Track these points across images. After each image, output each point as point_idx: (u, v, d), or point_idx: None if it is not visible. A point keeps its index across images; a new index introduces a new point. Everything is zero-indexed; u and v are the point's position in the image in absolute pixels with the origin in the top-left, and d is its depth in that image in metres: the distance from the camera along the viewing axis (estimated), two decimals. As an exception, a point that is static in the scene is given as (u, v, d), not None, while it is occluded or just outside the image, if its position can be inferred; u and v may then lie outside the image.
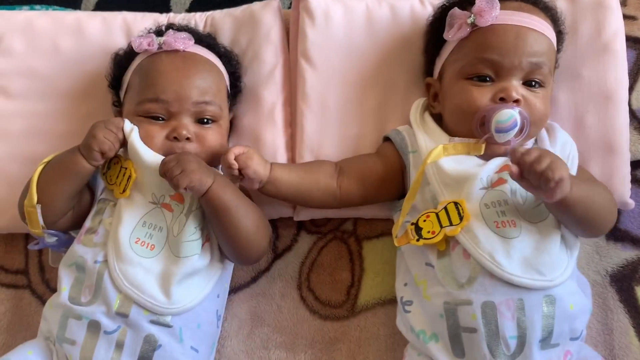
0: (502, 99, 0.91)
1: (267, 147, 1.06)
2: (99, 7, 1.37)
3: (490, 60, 0.92)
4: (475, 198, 0.89)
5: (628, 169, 1.02)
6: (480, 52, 0.92)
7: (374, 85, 1.08)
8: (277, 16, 1.11)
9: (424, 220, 0.91)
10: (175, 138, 0.95)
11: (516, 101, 0.91)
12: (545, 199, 0.82)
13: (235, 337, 1.05)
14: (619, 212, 1.06)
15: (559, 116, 1.03)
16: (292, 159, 1.08)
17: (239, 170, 0.93)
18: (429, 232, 0.90)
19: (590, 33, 1.04)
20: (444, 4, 1.03)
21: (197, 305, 0.93)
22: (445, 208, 0.90)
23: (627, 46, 1.07)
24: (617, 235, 1.05)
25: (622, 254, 1.04)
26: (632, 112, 1.07)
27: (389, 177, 0.99)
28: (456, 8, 0.96)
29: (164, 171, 0.89)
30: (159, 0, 1.36)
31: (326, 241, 1.11)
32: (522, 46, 0.91)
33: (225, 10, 1.15)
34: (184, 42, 0.98)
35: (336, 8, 1.09)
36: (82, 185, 0.95)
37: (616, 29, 1.04)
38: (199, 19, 1.15)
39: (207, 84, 0.98)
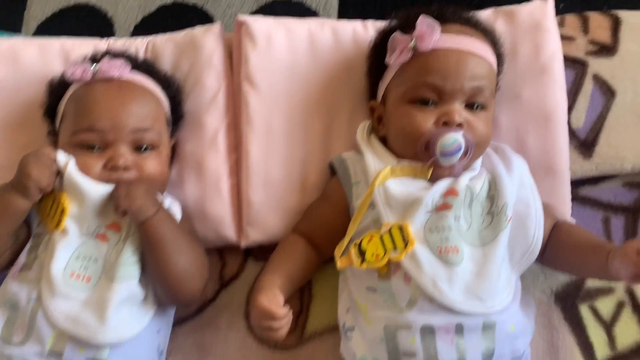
0: (445, 123, 0.91)
1: (209, 174, 1.04)
2: (39, 31, 1.34)
3: (433, 85, 0.92)
4: (420, 222, 0.89)
5: (568, 188, 1.03)
6: (423, 77, 0.93)
7: (319, 109, 1.07)
8: (218, 41, 1.10)
9: (368, 242, 0.90)
10: (112, 167, 0.92)
11: (459, 125, 0.91)
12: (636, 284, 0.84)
13: (180, 371, 1.02)
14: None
15: (501, 138, 1.04)
16: (236, 184, 1.07)
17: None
18: (372, 255, 0.89)
19: (529, 55, 1.06)
20: (386, 28, 1.03)
21: (134, 338, 0.89)
22: (390, 231, 0.89)
23: (565, 66, 1.09)
24: (561, 254, 1.06)
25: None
26: (571, 131, 1.08)
27: (343, 221, 0.96)
28: (398, 32, 0.96)
29: (113, 193, 0.89)
30: (102, 24, 1.34)
31: (274, 269, 1.09)
32: (463, 70, 0.92)
33: (167, 36, 1.13)
34: (120, 70, 0.96)
35: (278, 31, 1.08)
36: (19, 223, 0.92)
37: (553, 50, 1.06)
38: (140, 45, 1.13)
39: (144, 110, 0.96)
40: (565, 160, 1.03)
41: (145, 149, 0.95)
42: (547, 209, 0.95)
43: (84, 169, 0.91)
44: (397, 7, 1.30)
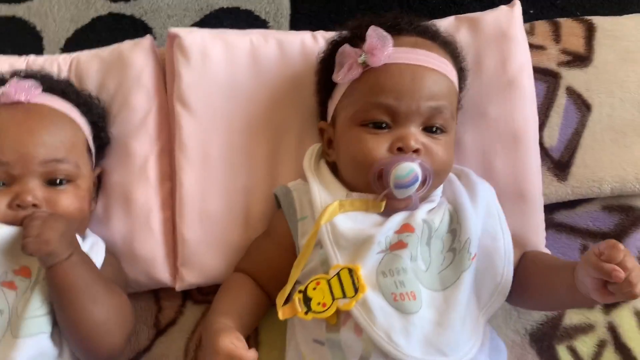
0: (399, 149, 0.80)
1: (138, 208, 0.92)
2: (-41, 46, 1.20)
3: (385, 105, 0.81)
4: (372, 264, 0.78)
5: (541, 216, 0.93)
6: (374, 96, 0.82)
7: (263, 131, 0.96)
8: (149, 56, 0.98)
9: (314, 289, 0.78)
10: (19, 205, 0.80)
11: (416, 151, 0.80)
12: (604, 299, 0.71)
13: None
14: (536, 263, 0.96)
15: (466, 160, 0.94)
16: (170, 218, 0.94)
17: None
18: (319, 303, 0.77)
19: (495, 67, 0.95)
20: (335, 39, 0.92)
21: None
22: (338, 274, 0.78)
23: (536, 79, 0.99)
24: (535, 288, 0.95)
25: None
26: (544, 151, 0.98)
27: (289, 260, 0.84)
28: (347, 45, 0.85)
29: (24, 229, 0.76)
30: (30, 38, 1.21)
31: (216, 312, 0.97)
32: (420, 89, 0.81)
33: (93, 51, 1.01)
34: (27, 93, 0.83)
35: (215, 45, 0.96)
36: None
37: (522, 62, 0.96)
38: (63, 62, 1.00)
39: (57, 139, 0.83)
40: (537, 185, 0.93)
41: (60, 182, 0.83)
42: (515, 240, 0.85)
43: None
44: (354, 15, 1.20)
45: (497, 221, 0.84)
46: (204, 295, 0.97)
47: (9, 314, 0.77)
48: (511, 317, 0.94)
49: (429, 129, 0.82)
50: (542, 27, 1.06)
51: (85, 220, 0.88)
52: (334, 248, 0.79)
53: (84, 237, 0.88)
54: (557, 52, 1.03)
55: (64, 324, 0.78)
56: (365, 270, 0.77)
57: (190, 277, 0.92)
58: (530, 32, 1.04)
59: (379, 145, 0.80)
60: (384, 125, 0.82)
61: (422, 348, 0.73)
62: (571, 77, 1.01)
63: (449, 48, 0.88)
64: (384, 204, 0.81)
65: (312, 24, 1.20)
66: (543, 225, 0.93)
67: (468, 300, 0.78)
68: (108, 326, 0.79)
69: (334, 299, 0.76)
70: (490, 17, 0.98)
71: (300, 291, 0.79)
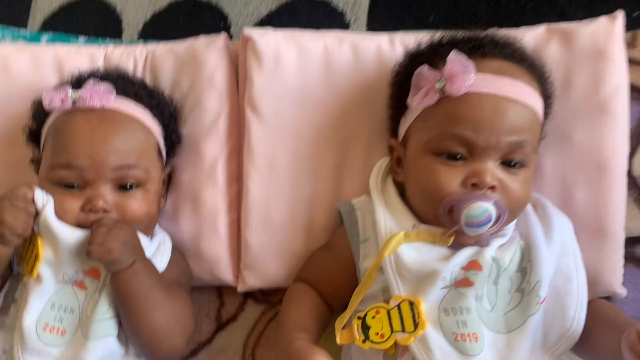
0: (474, 185, 0.76)
1: (206, 209, 0.94)
2: (45, 25, 1.24)
3: (462, 137, 0.76)
4: (435, 299, 0.76)
5: (620, 253, 0.87)
6: (451, 126, 0.77)
7: (331, 141, 0.94)
8: (223, 57, 0.97)
9: (373, 317, 0.78)
10: (90, 210, 0.83)
11: (491, 187, 0.76)
12: None
13: (169, 417, 0.95)
14: (608, 300, 0.91)
15: (544, 187, 0.88)
16: (236, 220, 0.96)
17: None
18: (377, 333, 0.77)
19: (586, 89, 0.88)
20: (413, 52, 0.88)
21: None
22: (399, 306, 0.77)
23: (632, 98, 0.91)
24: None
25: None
26: (632, 180, 0.92)
27: (349, 279, 0.84)
28: (425, 67, 0.80)
29: (90, 235, 0.80)
30: (110, 19, 1.22)
31: (275, 312, 0.98)
32: (501, 122, 0.76)
33: (169, 46, 1.01)
34: (102, 98, 0.85)
35: (289, 49, 0.94)
36: (2, 268, 0.84)
37: (617, 85, 0.87)
38: (139, 55, 1.01)
39: (129, 145, 0.85)
40: (619, 220, 0.87)
41: (130, 187, 0.86)
42: (588, 281, 0.80)
43: (61, 209, 0.83)
44: (436, 6, 1.13)
45: (572, 260, 0.80)
46: (265, 295, 0.99)
47: (79, 313, 0.82)
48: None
49: (507, 163, 0.78)
50: (647, 37, 0.96)
51: (154, 221, 0.91)
52: (396, 278, 0.78)
53: (152, 235, 0.91)
54: (660, 69, 0.94)
55: (127, 327, 0.82)
56: (427, 305, 0.76)
57: (252, 280, 0.94)
58: (631, 44, 0.95)
59: (451, 179, 0.77)
60: (459, 156, 0.78)
61: None
62: (673, 99, 0.92)
63: (537, 73, 0.82)
64: (452, 239, 0.78)
65: (391, 17, 1.14)
66: (621, 262, 0.88)
67: (533, 344, 0.76)
68: (168, 331, 0.82)
69: (392, 331, 0.76)
70: (587, 31, 0.89)
71: (359, 317, 0.79)
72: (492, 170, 0.76)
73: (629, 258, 0.91)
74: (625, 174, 0.87)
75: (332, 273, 0.87)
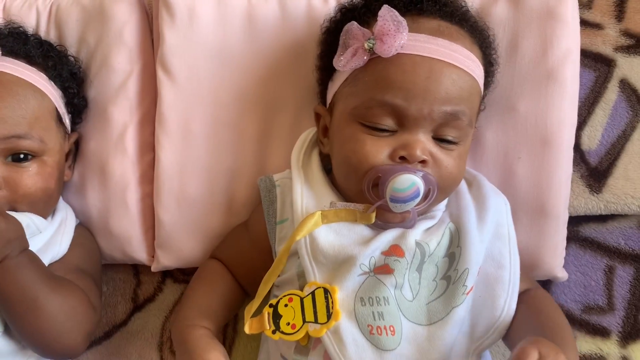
0: (402, 158, 0.68)
1: (114, 181, 0.85)
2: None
3: (392, 105, 0.68)
4: (351, 287, 0.69)
5: (563, 235, 0.81)
6: (380, 92, 0.69)
7: (254, 106, 0.85)
8: (134, 10, 0.87)
9: (285, 305, 0.71)
10: None
11: (422, 162, 0.68)
12: None
13: (80, 406, 0.89)
14: (548, 283, 0.85)
15: (484, 161, 0.81)
16: (150, 193, 0.86)
17: None
18: (288, 324, 0.70)
19: (533, 54, 0.80)
20: (345, 6, 0.78)
21: None
22: (313, 294, 0.70)
23: (584, 65, 0.84)
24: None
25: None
26: (580, 154, 0.85)
27: (265, 262, 0.76)
28: (354, 23, 0.71)
29: None
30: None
31: (195, 293, 0.91)
32: (435, 89, 0.67)
33: (75, -4, 0.89)
34: (-15, 57, 0.74)
35: (205, 3, 0.83)
36: None
37: (567, 49, 0.79)
38: (42, 6, 0.90)
39: (17, 113, 0.75)
40: (563, 199, 0.80)
41: (25, 157, 0.76)
42: (523, 271, 0.73)
43: None
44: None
45: (507, 246, 0.73)
46: (185, 274, 0.92)
47: None
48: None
49: (440, 138, 0.70)
50: (604, -1, 0.87)
51: (54, 197, 0.81)
52: (312, 262, 0.71)
53: (52, 213, 0.82)
54: (616, 33, 0.86)
55: (12, 327, 0.74)
56: (343, 293, 0.69)
57: (166, 260, 0.86)
58: (586, 5, 0.87)
59: (378, 150, 0.69)
60: (387, 127, 0.69)
61: None
62: (628, 66, 0.85)
63: (479, 36, 0.73)
64: (374, 215, 0.70)
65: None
66: (564, 244, 0.82)
67: (455, 338, 0.69)
68: (57, 330, 0.73)
69: (304, 322, 0.69)
70: (538, -11, 0.80)
71: (271, 305, 0.72)
72: (423, 142, 0.68)
73: (573, 238, 0.86)
74: (571, 149, 0.81)
75: (247, 254, 0.80)
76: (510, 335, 0.70)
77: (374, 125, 0.69)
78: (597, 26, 0.86)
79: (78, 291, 0.76)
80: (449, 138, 0.69)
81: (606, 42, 0.85)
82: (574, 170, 0.82)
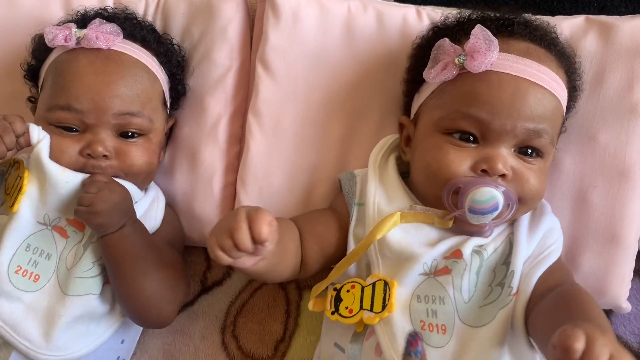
0: (484, 171, 0.71)
1: (203, 167, 0.90)
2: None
3: (477, 118, 0.72)
4: (411, 284, 0.73)
5: (631, 266, 0.83)
6: (466, 105, 0.72)
7: (342, 110, 0.89)
8: (240, 9, 0.92)
9: (347, 291, 0.75)
10: (90, 155, 0.79)
11: (502, 176, 0.71)
12: None
13: (142, 376, 0.93)
14: (609, 313, 0.87)
15: (559, 186, 0.84)
16: (233, 182, 0.91)
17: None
18: (347, 308, 0.74)
19: (619, 87, 0.82)
20: (437, 25, 0.82)
21: (89, 353, 0.79)
22: (374, 284, 0.73)
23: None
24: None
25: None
26: (654, 191, 0.86)
27: (339, 237, 0.80)
28: (446, 39, 0.75)
29: (80, 194, 0.76)
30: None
31: (263, 282, 0.95)
32: (520, 107, 0.71)
33: (184, -9, 0.96)
34: (108, 39, 0.80)
35: (310, 8, 0.89)
36: None
37: (653, 87, 0.82)
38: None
39: (133, 91, 0.81)
40: (635, 231, 0.82)
41: (132, 135, 0.82)
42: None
43: (58, 152, 0.79)
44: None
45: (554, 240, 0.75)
46: (253, 263, 0.96)
47: (56, 260, 0.79)
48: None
49: (522, 151, 0.73)
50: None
51: (153, 173, 0.87)
52: (378, 256, 0.75)
53: (147, 189, 0.87)
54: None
55: (115, 291, 0.79)
56: (402, 289, 0.72)
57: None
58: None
59: (460, 161, 0.72)
60: (471, 138, 0.73)
61: None
62: None
63: (566, 61, 0.77)
64: (451, 223, 0.73)
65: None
66: (631, 275, 0.83)
67: (500, 342, 0.70)
68: (157, 298, 0.79)
69: (361, 308, 0.73)
70: (628, 26, 0.83)
71: (335, 288, 0.76)
72: (505, 157, 0.72)
73: (637, 272, 0.87)
74: (647, 183, 0.82)
75: (325, 224, 0.81)
76: (539, 323, 0.68)
77: (459, 132, 0.73)
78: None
79: (177, 263, 0.81)
80: (531, 151, 0.73)
81: (689, 84, 0.87)
82: (647, 206, 0.84)
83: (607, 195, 0.81)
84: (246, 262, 0.64)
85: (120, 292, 0.78)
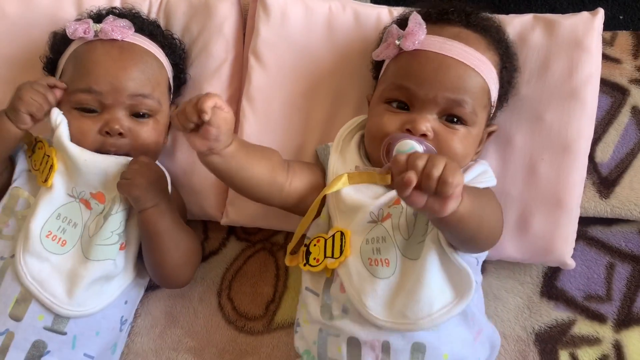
0: (408, 130, 0.84)
1: (201, 147, 1.01)
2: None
3: (406, 88, 0.85)
4: (361, 231, 0.85)
5: (574, 227, 0.95)
6: (399, 78, 0.86)
7: (324, 95, 1.01)
8: (234, 8, 1.04)
9: (314, 245, 0.88)
10: (107, 132, 0.90)
11: (423, 135, 0.84)
12: (436, 213, 0.68)
13: (146, 335, 1.03)
14: (559, 269, 1.00)
15: (512, 160, 0.96)
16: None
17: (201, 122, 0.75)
18: (315, 259, 0.87)
19: (561, 74, 0.95)
20: (398, 18, 0.95)
21: (98, 312, 0.90)
22: (334, 236, 0.86)
23: (603, 91, 0.99)
24: (552, 293, 0.99)
25: (552, 314, 0.99)
26: (593, 165, 1.00)
27: (316, 173, 0.93)
28: (394, 25, 0.89)
29: (125, 170, 0.88)
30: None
31: (254, 250, 1.07)
32: (441, 79, 0.84)
33: (184, -7, 1.08)
34: (122, 32, 0.92)
35: (295, 7, 1.01)
36: (7, 152, 0.91)
37: (590, 74, 0.95)
38: (154, 0, 1.08)
39: (145, 76, 0.92)
40: (576, 197, 0.95)
41: (143, 115, 0.93)
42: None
43: (79, 132, 0.90)
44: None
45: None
46: (247, 234, 1.07)
47: (81, 230, 0.90)
48: (522, 314, 0.99)
49: (449, 119, 0.85)
50: (624, 38, 1.04)
51: (159, 152, 0.98)
52: (335, 211, 0.87)
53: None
54: (632, 67, 1.02)
55: (149, 261, 0.92)
56: (355, 237, 0.85)
57: (234, 215, 1.01)
58: (609, 43, 1.03)
59: (392, 123, 0.85)
60: (405, 107, 0.86)
61: (386, 310, 0.81)
62: (640, 96, 1.01)
63: (500, 46, 0.89)
64: (389, 177, 0.79)
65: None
66: (574, 236, 0.96)
67: (437, 268, 0.81)
68: (184, 265, 0.93)
69: (325, 257, 0.85)
70: (568, 23, 0.97)
71: (305, 245, 0.89)
72: (427, 119, 0.84)
73: (582, 237, 1.00)
74: (586, 157, 0.95)
75: (313, 169, 0.93)
76: None
77: (392, 101, 0.86)
78: (616, 60, 1.02)
79: (195, 233, 0.95)
80: (457, 117, 0.84)
81: (623, 74, 1.01)
82: (587, 177, 0.96)
83: (552, 166, 0.94)
84: (196, 141, 0.77)
85: (153, 260, 0.90)
